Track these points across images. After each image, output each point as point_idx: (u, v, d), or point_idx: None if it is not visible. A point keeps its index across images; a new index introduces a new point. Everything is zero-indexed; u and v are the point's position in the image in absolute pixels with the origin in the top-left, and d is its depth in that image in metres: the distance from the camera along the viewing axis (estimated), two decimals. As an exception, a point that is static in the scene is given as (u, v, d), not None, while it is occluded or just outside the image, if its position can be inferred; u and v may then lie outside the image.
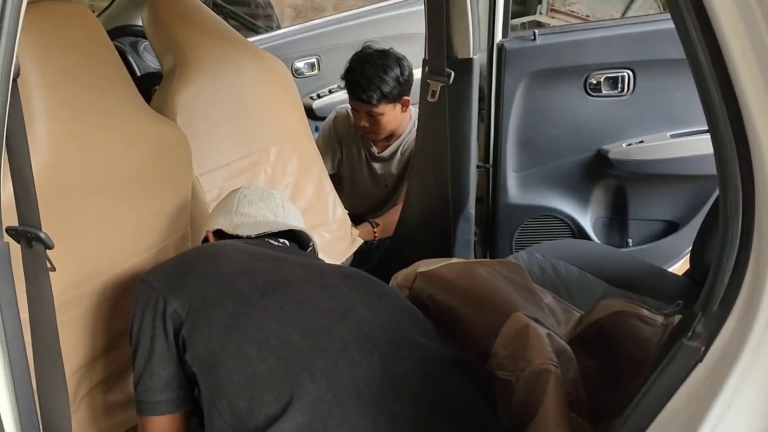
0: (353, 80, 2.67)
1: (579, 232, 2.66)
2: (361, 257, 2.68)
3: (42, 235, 1.27)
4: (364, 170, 2.95)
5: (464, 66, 2.30)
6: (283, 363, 1.25)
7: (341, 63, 2.77)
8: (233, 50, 2.27)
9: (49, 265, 1.32)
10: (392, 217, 2.81)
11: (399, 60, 2.70)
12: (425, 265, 1.71)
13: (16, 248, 1.26)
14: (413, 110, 2.85)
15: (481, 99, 2.47)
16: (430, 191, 2.50)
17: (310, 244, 1.72)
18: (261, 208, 1.72)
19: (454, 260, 1.76)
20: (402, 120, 2.81)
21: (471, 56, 2.30)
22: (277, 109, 2.41)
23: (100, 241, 1.62)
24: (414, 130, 2.82)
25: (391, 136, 2.86)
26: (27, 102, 1.43)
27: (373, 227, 2.82)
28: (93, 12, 3.16)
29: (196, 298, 1.36)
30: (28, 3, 1.57)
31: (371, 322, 1.34)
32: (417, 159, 2.59)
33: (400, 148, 2.87)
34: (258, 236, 1.63)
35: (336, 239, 2.54)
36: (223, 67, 2.20)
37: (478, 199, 2.56)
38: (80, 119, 1.53)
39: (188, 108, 2.09)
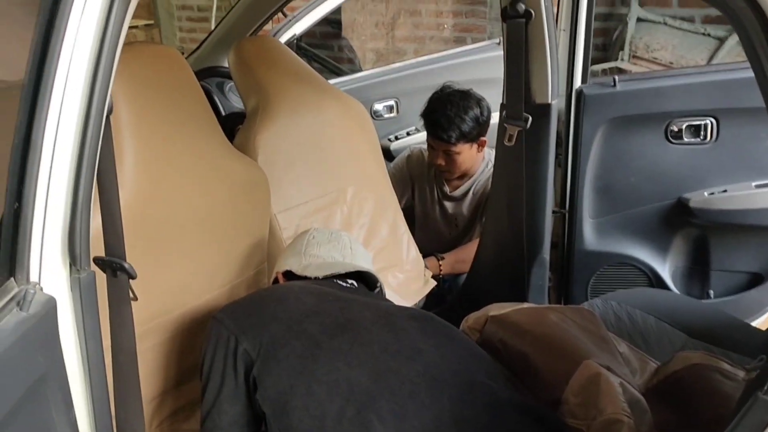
0: (433, 119, 2.70)
1: (657, 282, 2.60)
2: (433, 299, 2.67)
3: (126, 265, 1.32)
4: (435, 209, 2.96)
5: (542, 111, 2.29)
6: (352, 405, 1.26)
7: (419, 106, 2.81)
8: (314, 92, 2.33)
9: (131, 295, 1.37)
10: (459, 254, 2.81)
11: (479, 101, 2.73)
12: (497, 309, 1.70)
13: (101, 277, 1.31)
14: (487, 151, 2.86)
15: (558, 144, 2.46)
16: (504, 235, 2.48)
17: (377, 285, 1.73)
18: (329, 249, 1.75)
19: (526, 305, 1.74)
20: (476, 160, 2.82)
21: (549, 101, 2.29)
22: (355, 150, 2.45)
23: (179, 274, 1.67)
24: (486, 170, 2.84)
25: (464, 176, 2.87)
26: (117, 138, 1.50)
27: (438, 260, 2.82)
28: (182, 54, 3.31)
29: (266, 339, 1.39)
30: (125, 44, 1.65)
31: (440, 365, 1.33)
32: (492, 202, 2.59)
33: (473, 188, 2.88)
34: (326, 277, 1.65)
35: (409, 280, 2.55)
36: (304, 108, 2.26)
37: (553, 245, 2.53)
38: (166, 156, 1.60)
39: (269, 147, 2.15)
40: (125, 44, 1.66)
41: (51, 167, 1.10)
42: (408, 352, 1.35)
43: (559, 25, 2.39)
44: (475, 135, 2.72)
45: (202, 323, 1.70)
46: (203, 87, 2.75)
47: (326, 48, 5.30)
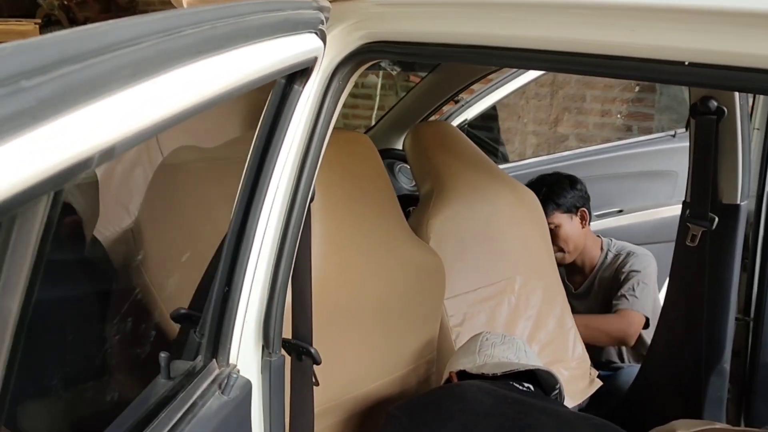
0: None
1: None
2: (597, 400, 2.55)
3: (312, 350, 1.33)
4: None
5: (729, 212, 2.17)
6: None
7: (586, 195, 2.76)
8: (488, 179, 2.33)
9: (314, 380, 1.38)
10: (591, 320, 2.67)
11: (568, 176, 2.75)
12: (685, 427, 1.58)
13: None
14: (605, 241, 2.81)
15: (744, 247, 2.32)
16: (679, 340, 2.34)
17: (557, 387, 1.67)
18: (504, 350, 1.71)
19: (718, 425, 1.62)
20: (589, 245, 2.76)
21: (738, 202, 2.17)
22: (525, 239, 2.41)
23: (356, 359, 1.68)
24: (609, 262, 2.77)
25: (584, 270, 2.78)
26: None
27: None
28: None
29: None
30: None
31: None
32: (668, 305, 2.46)
33: (596, 281, 2.79)
34: (504, 375, 1.61)
35: (575, 378, 2.45)
36: (478, 194, 2.26)
37: (735, 354, 2.36)
38: (352, 242, 1.63)
39: (441, 232, 2.14)
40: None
41: (259, 254, 1.14)
42: None
43: (753, 123, 2.28)
44: (571, 204, 2.70)
45: (374, 408, 1.70)
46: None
47: (487, 130, 5.32)
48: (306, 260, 1.33)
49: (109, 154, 0.58)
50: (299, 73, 1.02)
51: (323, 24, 0.99)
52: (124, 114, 0.62)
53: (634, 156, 3.49)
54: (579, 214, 2.74)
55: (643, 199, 3.35)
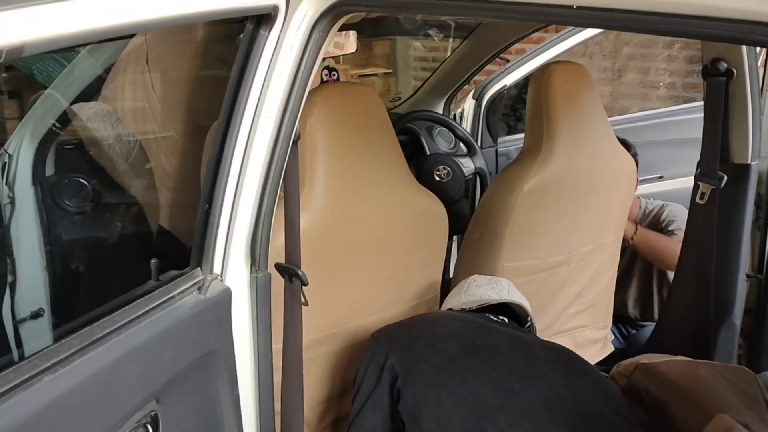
0: None
1: None
2: (612, 357, 2.63)
3: (300, 272, 1.51)
4: None
5: (740, 171, 2.23)
6: (472, 415, 1.36)
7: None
8: (597, 137, 2.27)
9: (303, 300, 1.56)
10: (655, 238, 2.75)
11: (623, 140, 2.64)
12: (648, 358, 1.70)
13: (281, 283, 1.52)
14: (643, 202, 2.87)
15: (758, 207, 2.36)
16: (691, 295, 2.42)
17: (527, 319, 1.80)
18: (488, 290, 1.85)
19: (679, 358, 1.72)
20: (633, 206, 2.77)
21: (749, 162, 2.23)
22: (610, 204, 2.39)
23: (354, 292, 1.85)
24: (645, 220, 2.84)
25: None
26: (311, 165, 1.73)
27: (636, 227, 2.79)
28: (399, 98, 3.55)
29: (410, 355, 1.54)
30: (323, 83, 1.89)
31: (564, 393, 1.39)
32: (681, 260, 2.53)
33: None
34: (479, 309, 1.75)
35: (595, 341, 2.54)
36: (583, 153, 2.22)
37: (747, 311, 2.42)
38: (352, 183, 1.79)
39: (534, 195, 2.13)
40: (330, 84, 1.91)
41: (238, 182, 1.33)
42: (535, 377, 1.43)
43: (764, 85, 2.32)
44: None
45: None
46: (412, 129, 2.98)
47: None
48: (294, 196, 1.50)
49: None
50: (263, 19, 1.20)
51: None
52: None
53: (675, 123, 3.52)
54: None
55: (685, 166, 3.37)
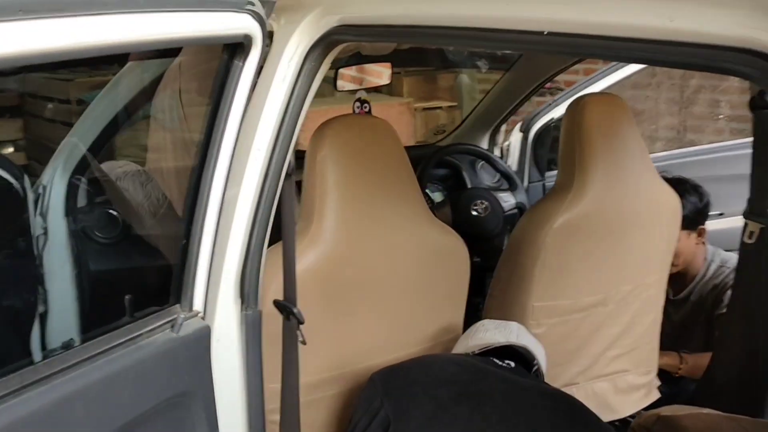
0: None
1: None
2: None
3: (296, 311, 1.46)
4: None
5: (791, 209, 2.09)
6: None
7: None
8: (635, 172, 2.16)
9: (300, 338, 1.50)
10: (703, 360, 2.58)
11: (696, 187, 2.59)
12: (671, 410, 1.58)
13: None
14: (710, 250, 2.68)
15: (814, 248, 2.20)
16: (740, 342, 2.26)
17: (534, 363, 1.70)
18: (495, 334, 1.77)
19: (705, 411, 1.59)
20: (696, 256, 2.61)
21: (801, 199, 2.08)
22: (650, 244, 2.27)
23: (364, 330, 1.78)
24: (711, 273, 2.66)
25: (685, 277, 2.67)
26: (321, 200, 1.68)
27: (681, 357, 2.62)
28: (443, 131, 3.49)
29: (404, 400, 1.49)
30: (340, 115, 1.85)
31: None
32: (731, 305, 2.37)
33: (695, 291, 2.69)
34: (482, 353, 1.68)
35: (639, 386, 2.41)
36: (619, 190, 2.13)
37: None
38: (363, 219, 1.74)
39: (565, 233, 2.05)
40: (342, 115, 1.86)
41: (219, 217, 1.29)
42: (523, 427, 1.35)
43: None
44: (692, 221, 2.54)
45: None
46: (453, 163, 2.92)
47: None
48: (290, 229, 1.45)
49: None
50: (237, 48, 1.16)
51: (253, 5, 1.12)
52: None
53: (738, 158, 3.35)
54: (697, 231, 2.64)
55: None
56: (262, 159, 1.34)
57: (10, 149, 4.52)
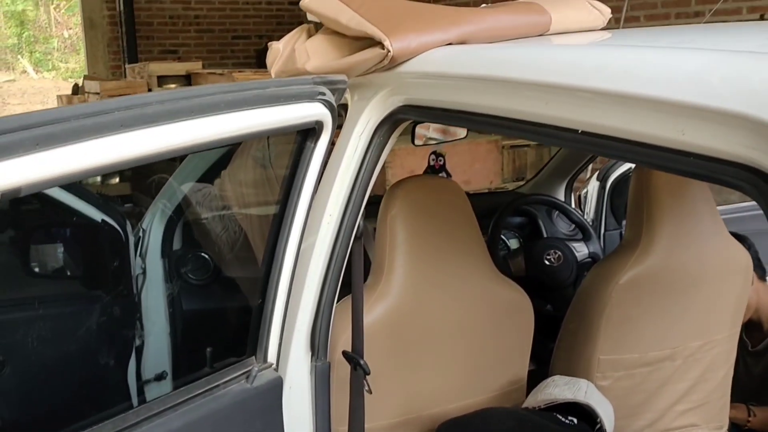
0: None
1: None
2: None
3: (362, 362, 1.58)
4: (738, 367, 2.72)
5: None
6: None
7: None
8: (702, 231, 2.18)
9: (366, 388, 1.62)
10: None
11: (738, 234, 2.47)
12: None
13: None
14: None
15: None
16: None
17: (597, 421, 1.75)
18: (563, 390, 1.82)
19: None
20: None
21: None
22: (720, 298, 2.27)
23: (430, 379, 1.88)
24: None
25: (761, 326, 2.65)
26: (391, 256, 1.80)
27: (749, 411, 2.59)
28: (524, 178, 3.54)
29: None
30: (411, 176, 1.98)
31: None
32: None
33: None
34: (547, 408, 1.73)
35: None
36: (687, 248, 2.14)
37: None
38: (431, 274, 1.85)
39: (632, 287, 2.09)
40: (412, 176, 1.98)
41: (292, 279, 1.42)
42: None
43: None
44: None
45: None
46: (530, 212, 2.99)
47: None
48: (359, 287, 1.58)
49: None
50: (309, 133, 1.30)
51: (325, 95, 1.25)
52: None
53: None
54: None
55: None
56: (333, 223, 1.48)
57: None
